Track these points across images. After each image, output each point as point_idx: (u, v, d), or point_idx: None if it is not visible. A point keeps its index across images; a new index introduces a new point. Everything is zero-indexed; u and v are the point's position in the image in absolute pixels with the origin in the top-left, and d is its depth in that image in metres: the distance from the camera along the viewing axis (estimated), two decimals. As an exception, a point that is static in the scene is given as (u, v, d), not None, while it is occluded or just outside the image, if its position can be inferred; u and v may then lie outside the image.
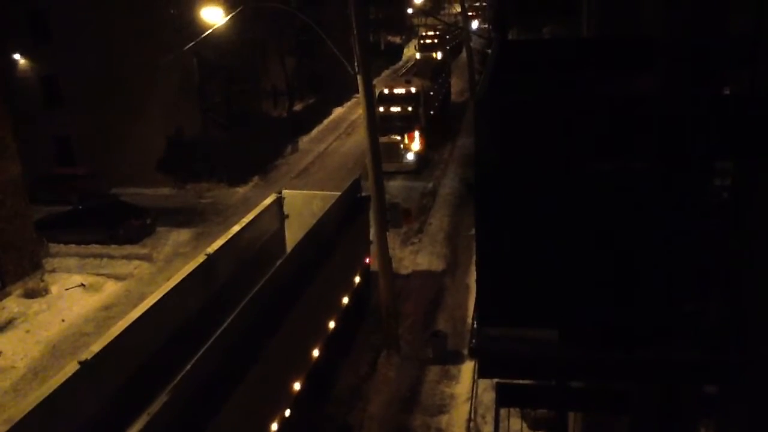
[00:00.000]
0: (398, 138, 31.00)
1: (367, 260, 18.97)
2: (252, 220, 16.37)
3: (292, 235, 17.13)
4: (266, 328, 11.64)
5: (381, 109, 30.55)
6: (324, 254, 14.92)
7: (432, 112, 35.28)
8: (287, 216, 18.06)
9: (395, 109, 31.95)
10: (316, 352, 14.14)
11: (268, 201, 17.81)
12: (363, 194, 18.80)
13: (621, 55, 5.52)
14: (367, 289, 18.97)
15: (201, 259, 13.68)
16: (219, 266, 14.16)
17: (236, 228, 15.54)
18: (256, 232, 16.48)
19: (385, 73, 58.86)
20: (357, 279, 17.87)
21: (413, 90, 32.51)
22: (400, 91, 32.64)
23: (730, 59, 4.39)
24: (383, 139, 28.34)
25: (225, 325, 10.51)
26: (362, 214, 18.11)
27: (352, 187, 18.53)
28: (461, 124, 41.12)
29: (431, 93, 35.56)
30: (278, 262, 13.32)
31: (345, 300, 16.49)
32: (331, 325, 15.26)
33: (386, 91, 33.17)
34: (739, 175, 4.20)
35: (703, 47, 4.16)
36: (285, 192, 18.46)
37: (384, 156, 28.28)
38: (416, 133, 31.27)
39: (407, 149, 31.04)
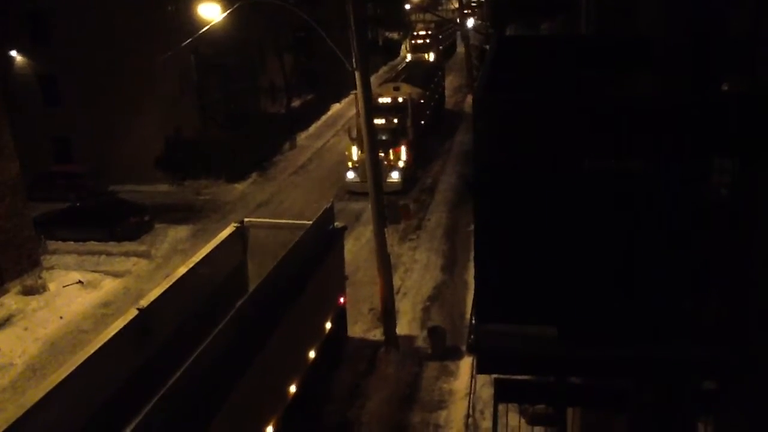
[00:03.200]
0: (381, 154, 28.25)
1: (342, 300, 16.56)
2: (205, 256, 14.08)
3: (255, 273, 14.85)
4: (211, 402, 9.63)
5: None
6: (288, 300, 12.71)
7: (423, 122, 32.78)
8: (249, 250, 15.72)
9: (379, 121, 27.96)
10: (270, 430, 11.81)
11: (226, 232, 15.47)
12: (337, 224, 16.45)
13: (619, 53, 5.52)
14: (340, 336, 16.56)
15: (131, 314, 11.47)
16: (160, 318, 12.03)
17: (182, 270, 13.32)
18: (211, 270, 14.13)
19: (383, 69, 58.74)
20: (328, 325, 15.34)
21: (400, 99, 29.90)
22: (385, 100, 29.80)
23: (729, 57, 4.39)
24: (364, 156, 27.26)
25: (161, 393, 8.72)
26: (336, 248, 15.88)
27: (324, 217, 15.76)
28: (459, 119, 41.12)
29: (422, 101, 32.86)
30: (228, 316, 10.95)
31: (312, 354, 14.15)
32: (292, 389, 12.94)
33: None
34: (738, 173, 4.20)
35: (701, 45, 4.16)
36: (247, 221, 16.28)
37: (363, 175, 25.72)
38: (402, 149, 28.41)
39: (392, 166, 27.68)
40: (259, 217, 26.85)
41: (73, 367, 9.80)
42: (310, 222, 15.06)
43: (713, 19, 4.11)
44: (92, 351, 10.25)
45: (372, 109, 28.59)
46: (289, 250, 13.35)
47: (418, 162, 31.18)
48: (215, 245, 14.71)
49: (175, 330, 12.40)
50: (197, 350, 9.76)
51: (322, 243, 15.22)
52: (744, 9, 4.31)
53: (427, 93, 35.46)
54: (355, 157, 28.18)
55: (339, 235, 16.20)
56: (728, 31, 4.26)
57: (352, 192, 28.17)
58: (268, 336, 11.48)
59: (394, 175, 27.55)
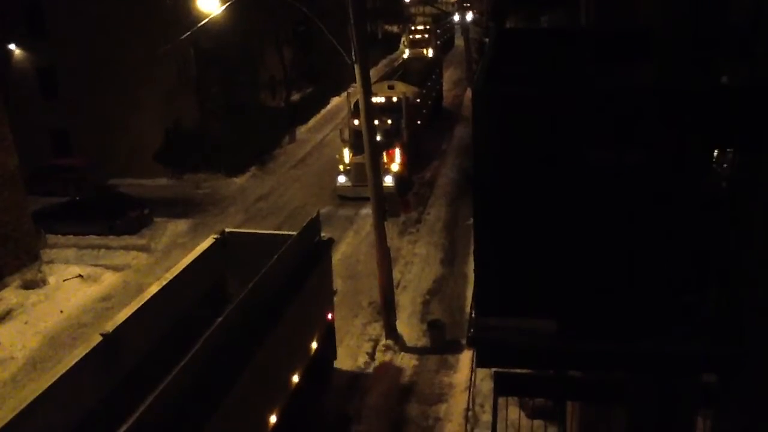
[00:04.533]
0: None
1: (330, 316, 15.51)
2: (182, 271, 13.18)
3: (237, 287, 13.60)
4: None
5: (356, 122, 25.96)
6: (268, 319, 11.84)
7: (419, 122, 31.36)
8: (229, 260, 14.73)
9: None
10: None
11: (205, 244, 14.56)
12: (324, 236, 15.55)
13: (619, 46, 5.49)
14: (327, 357, 15.47)
15: (95, 341, 10.53)
16: (128, 343, 11.12)
17: (154, 288, 12.39)
18: (188, 285, 13.21)
19: (383, 62, 58.60)
20: (314, 345, 14.26)
21: (395, 99, 28.41)
22: (379, 100, 27.40)
23: (728, 49, 4.37)
24: (356, 159, 25.66)
25: (125, 428, 7.94)
26: (322, 262, 14.85)
27: (309, 229, 14.80)
28: (459, 113, 41.06)
29: (418, 100, 31.36)
30: (207, 333, 10.19)
31: (296, 378, 13.05)
32: (273, 419, 11.89)
33: None
34: (737, 166, 4.18)
35: (701, 38, 4.13)
36: (228, 231, 15.31)
37: (355, 178, 26.29)
38: (396, 151, 27.01)
39: (385, 170, 25.54)
40: (259, 211, 26.98)
41: (31, 399, 8.95)
42: (295, 233, 14.21)
43: (713, 10, 4.08)
44: (52, 381, 9.32)
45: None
46: (269, 265, 12.40)
47: (414, 166, 29.73)
48: (193, 258, 13.79)
49: (146, 354, 11.51)
50: (164, 381, 8.90)
51: (308, 255, 14.34)
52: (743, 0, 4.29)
53: (424, 91, 34.09)
54: (347, 160, 27.14)
55: (326, 247, 15.33)
56: (727, 21, 4.24)
57: (344, 197, 27.20)
58: (244, 362, 10.53)
59: (388, 180, 24.96)
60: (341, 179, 27.39)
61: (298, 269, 13.60)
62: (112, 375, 10.66)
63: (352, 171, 26.51)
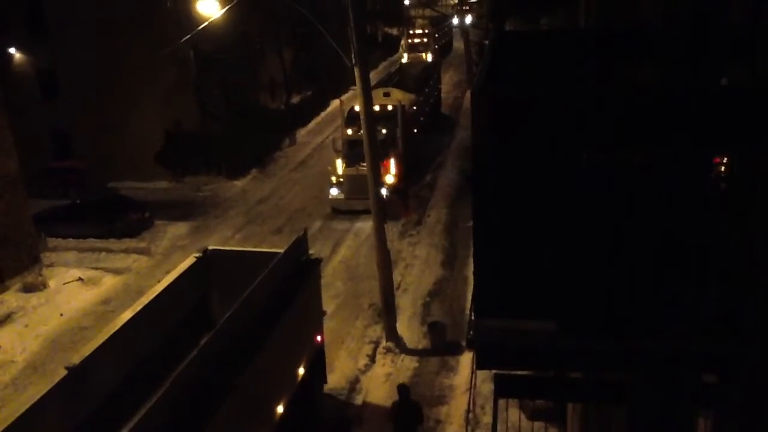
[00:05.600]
0: (366, 169, 24.89)
1: (319, 338, 14.66)
2: (161, 293, 12.44)
3: (220, 308, 12.93)
4: None
5: (349, 131, 25.85)
6: (252, 345, 11.03)
7: (415, 130, 29.93)
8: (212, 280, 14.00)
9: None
10: None
11: (187, 263, 13.78)
12: (312, 254, 14.62)
13: (619, 46, 5.50)
14: (316, 381, 14.51)
15: (60, 375, 9.90)
16: (96, 376, 10.31)
17: (127, 314, 11.70)
18: (168, 307, 12.45)
19: (383, 65, 58.59)
20: (301, 371, 13.32)
21: (390, 107, 26.77)
22: (374, 108, 25.90)
23: (729, 49, 4.37)
24: (349, 171, 25.04)
25: None
26: (309, 282, 13.95)
27: (296, 247, 13.96)
28: (458, 115, 41.07)
29: (414, 108, 30.05)
30: (181, 367, 9.59)
31: (280, 408, 12.19)
32: None
33: (357, 108, 26.82)
34: (738, 165, 4.18)
35: (702, 37, 4.14)
36: (212, 249, 14.49)
37: (348, 191, 25.30)
38: (392, 161, 25.46)
39: (380, 183, 24.13)
40: (259, 214, 26.96)
41: None
42: (281, 250, 13.52)
43: (713, 9, 4.09)
44: (13, 420, 8.76)
45: (357, 118, 24.37)
46: (251, 288, 11.66)
47: (412, 177, 28.28)
48: (173, 279, 13.08)
49: (118, 386, 10.77)
50: (133, 419, 8.42)
51: (294, 275, 13.55)
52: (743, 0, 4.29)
53: (421, 98, 32.73)
54: (340, 171, 25.88)
55: (314, 267, 14.39)
56: (728, 20, 4.25)
57: (337, 210, 26.00)
58: (223, 394, 9.76)
59: (383, 192, 22.75)
60: (334, 192, 26.04)
61: (283, 291, 12.79)
62: (79, 411, 9.89)
63: (346, 183, 25.49)
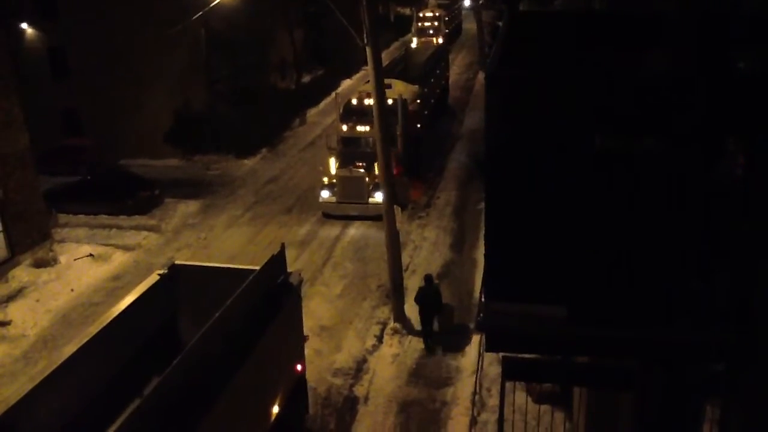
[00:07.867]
0: (362, 171, 22.79)
1: (299, 367, 13.15)
2: (114, 319, 10.97)
3: (189, 331, 11.65)
4: None
5: (344, 128, 24.13)
6: (218, 379, 9.66)
7: (419, 126, 26.93)
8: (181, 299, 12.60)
9: (362, 128, 23.57)
10: None
11: (149, 281, 12.27)
12: (291, 273, 12.94)
13: (632, 30, 5.44)
14: (295, 416, 12.92)
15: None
16: (32, 422, 8.90)
17: (70, 348, 10.18)
18: (126, 333, 11.07)
19: (395, 45, 58.17)
20: (275, 409, 11.87)
21: (390, 101, 21.73)
22: (371, 101, 22.46)
23: (742, 35, 4.32)
24: (343, 173, 22.99)
25: None
26: (288, 306, 12.38)
27: (272, 266, 12.29)
28: (469, 97, 40.84)
29: (418, 101, 27.07)
30: (132, 408, 8.52)
31: None
32: None
33: (355, 101, 24.98)
34: (751, 153, 4.14)
35: (715, 23, 4.09)
36: (179, 264, 13.03)
37: (342, 194, 23.13)
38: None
39: (377, 184, 21.44)
40: (269, 193, 26.96)
41: None
42: (256, 268, 11.95)
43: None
44: None
45: (354, 113, 24.07)
46: (216, 317, 10.17)
47: (415, 176, 25.76)
48: (133, 300, 11.63)
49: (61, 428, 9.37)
50: None
51: (270, 299, 12.01)
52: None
53: (426, 90, 29.56)
54: (333, 171, 23.56)
55: (293, 288, 12.69)
56: (742, 6, 4.19)
57: (328, 215, 23.78)
58: None
59: (379, 196, 19.69)
60: (324, 194, 23.56)
61: (257, 317, 11.34)
62: None
63: (338, 185, 23.21)
